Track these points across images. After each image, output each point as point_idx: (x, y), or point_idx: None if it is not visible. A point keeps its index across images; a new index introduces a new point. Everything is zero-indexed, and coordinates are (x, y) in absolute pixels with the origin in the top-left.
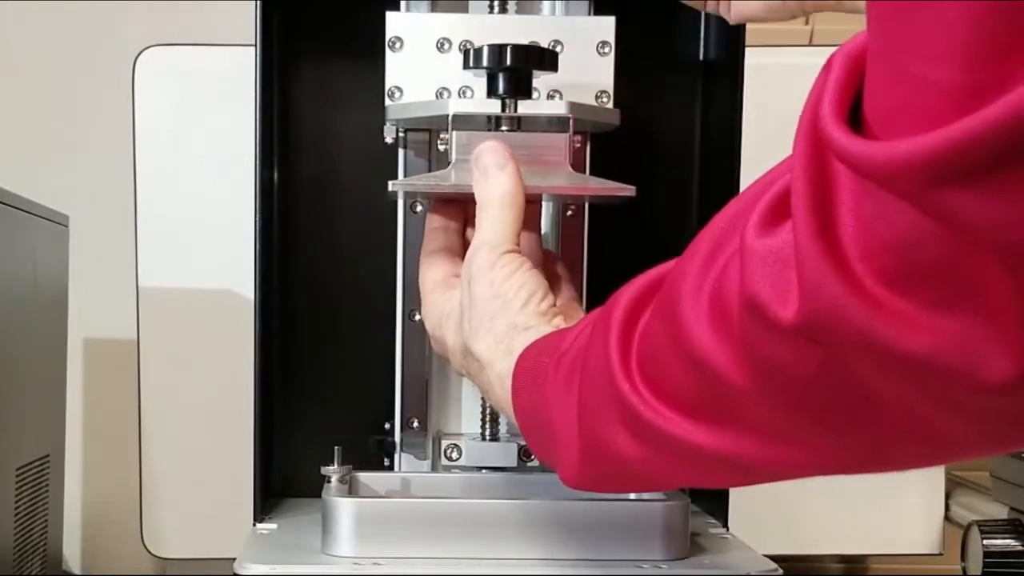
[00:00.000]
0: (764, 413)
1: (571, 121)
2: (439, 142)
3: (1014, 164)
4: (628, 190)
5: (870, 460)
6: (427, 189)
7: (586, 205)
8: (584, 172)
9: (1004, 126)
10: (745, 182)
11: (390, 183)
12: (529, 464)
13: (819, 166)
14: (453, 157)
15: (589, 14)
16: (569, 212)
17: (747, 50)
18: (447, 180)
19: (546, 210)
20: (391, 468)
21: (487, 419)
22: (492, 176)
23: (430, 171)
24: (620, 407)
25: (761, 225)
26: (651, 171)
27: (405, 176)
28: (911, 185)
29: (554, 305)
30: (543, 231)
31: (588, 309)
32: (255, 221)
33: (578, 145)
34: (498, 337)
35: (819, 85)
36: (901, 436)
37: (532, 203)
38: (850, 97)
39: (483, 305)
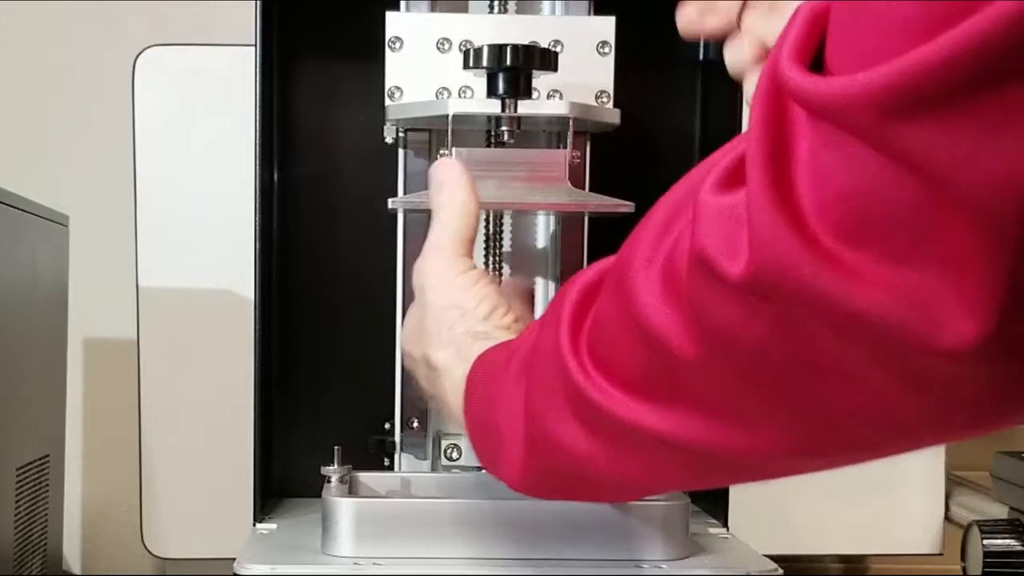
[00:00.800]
0: (711, 388)
1: (571, 121)
2: (438, 156)
3: (975, 94)
4: (627, 206)
5: (821, 445)
6: (427, 206)
7: (585, 216)
8: (584, 172)
9: (962, 52)
10: None
11: (390, 201)
12: None
13: (777, 116)
14: None
15: (589, 14)
16: None
17: None
18: None
19: (543, 224)
20: (391, 468)
21: None
22: (446, 187)
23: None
24: (567, 389)
25: (718, 184)
26: (651, 170)
27: (406, 176)
28: (867, 118)
29: (517, 320)
30: (541, 245)
31: None
32: (255, 221)
33: (577, 160)
34: (456, 345)
35: (781, 36)
36: (852, 414)
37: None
38: (812, 46)
39: (440, 314)
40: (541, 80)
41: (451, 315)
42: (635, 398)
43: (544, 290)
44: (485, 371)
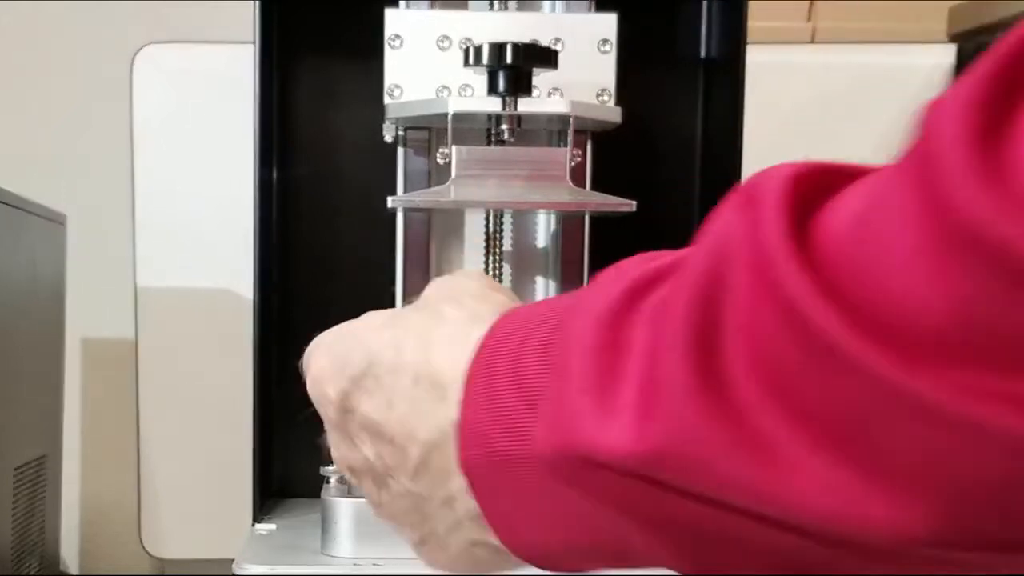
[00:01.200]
0: None
1: (572, 119)
2: (438, 155)
3: None
4: (628, 205)
5: None
6: (427, 204)
7: (586, 215)
8: (585, 171)
9: None
10: (747, 178)
11: (390, 199)
12: None
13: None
14: (453, 172)
15: (590, 11)
16: None
17: (748, 48)
18: (447, 196)
19: (544, 223)
20: None
21: None
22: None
23: (429, 171)
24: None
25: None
26: (652, 169)
27: (405, 175)
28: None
29: None
30: (542, 244)
31: None
32: (254, 220)
33: (579, 158)
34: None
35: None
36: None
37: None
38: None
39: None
40: (542, 78)
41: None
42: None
43: (545, 290)
44: (541, 315)
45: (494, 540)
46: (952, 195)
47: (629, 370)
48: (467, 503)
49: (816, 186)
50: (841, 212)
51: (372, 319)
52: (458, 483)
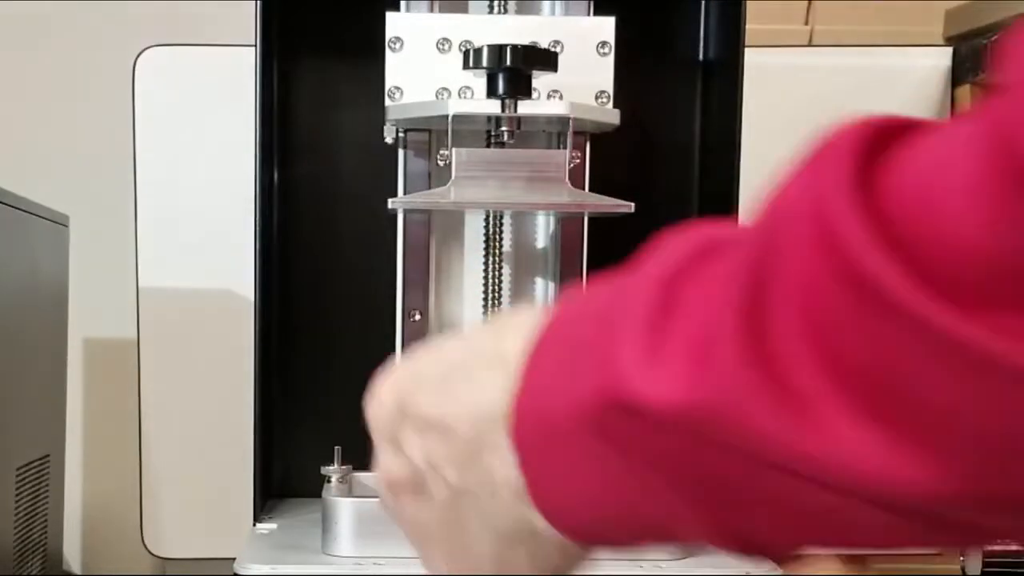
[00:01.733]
0: None
1: (571, 121)
2: (438, 157)
3: None
4: (627, 206)
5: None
6: (427, 206)
7: (585, 216)
8: (584, 172)
9: None
10: (745, 181)
11: (390, 201)
12: None
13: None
14: (453, 173)
15: (589, 14)
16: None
17: (746, 50)
18: (447, 197)
19: (543, 224)
20: None
21: None
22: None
23: (429, 173)
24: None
25: None
26: (651, 171)
27: (405, 177)
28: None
29: None
30: (541, 245)
31: None
32: (255, 221)
33: (577, 160)
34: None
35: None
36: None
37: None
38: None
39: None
40: (541, 80)
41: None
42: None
43: (544, 291)
44: (605, 285)
45: (538, 521)
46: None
47: (680, 323)
48: (513, 485)
49: (885, 138)
50: (907, 162)
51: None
52: (506, 463)
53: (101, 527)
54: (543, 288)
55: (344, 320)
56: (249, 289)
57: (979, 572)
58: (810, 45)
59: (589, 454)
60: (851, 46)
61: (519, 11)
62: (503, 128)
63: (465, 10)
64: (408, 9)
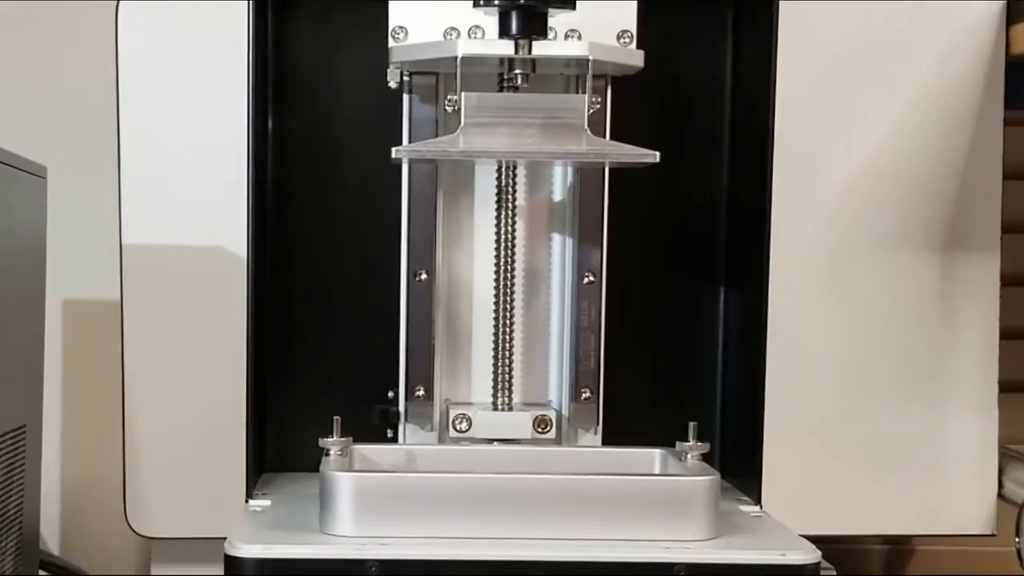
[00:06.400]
0: None
1: (590, 63)
2: (446, 102)
3: None
4: (651, 156)
5: None
6: (434, 155)
7: (606, 166)
8: (605, 119)
9: None
10: (780, 127)
11: (394, 149)
12: (544, 436)
13: None
14: (462, 120)
15: None
16: (587, 280)
17: None
18: (455, 146)
19: (560, 176)
20: (395, 440)
21: (500, 388)
22: None
23: (437, 122)
24: None
25: None
26: (678, 118)
27: (411, 124)
28: None
29: None
30: (558, 198)
31: (607, 279)
32: (247, 173)
33: (598, 105)
34: None
35: None
36: None
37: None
38: None
39: None
40: (558, 19)
41: None
42: None
43: (561, 248)
44: None
45: None
46: None
47: None
48: None
49: None
50: None
51: None
52: None
53: (81, 504)
54: (560, 246)
55: (344, 280)
56: (241, 247)
57: None
58: None
59: None
60: None
61: None
62: (517, 71)
63: None
64: None
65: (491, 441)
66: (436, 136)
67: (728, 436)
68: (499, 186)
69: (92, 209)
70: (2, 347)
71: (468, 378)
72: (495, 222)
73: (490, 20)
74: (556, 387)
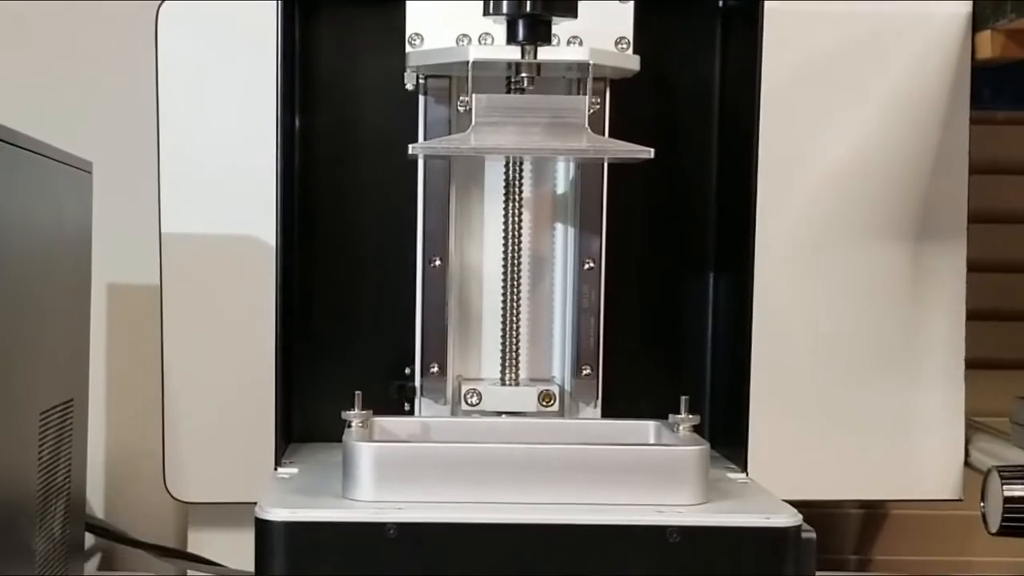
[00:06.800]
0: None
1: (591, 67)
2: (458, 103)
3: None
4: (646, 152)
5: None
6: (447, 151)
7: (605, 162)
8: (604, 118)
9: None
10: (764, 127)
11: (411, 146)
12: (548, 409)
13: None
14: (473, 119)
15: None
16: (587, 266)
17: None
18: (467, 143)
19: (563, 170)
20: (411, 413)
21: (507, 365)
22: None
23: (450, 121)
24: None
25: None
26: (671, 117)
27: (426, 123)
28: None
29: None
30: (561, 191)
31: (606, 265)
32: (276, 167)
33: (597, 106)
34: None
35: None
36: None
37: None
38: None
39: None
40: (561, 27)
41: None
42: None
43: (564, 237)
44: None
45: None
46: None
47: None
48: None
49: None
50: None
51: None
52: None
53: (124, 472)
54: (563, 235)
55: (364, 266)
56: (270, 236)
57: (999, 518)
58: None
59: None
60: None
61: None
62: (523, 74)
63: None
64: None
65: (499, 414)
66: (449, 134)
67: (717, 409)
68: (507, 180)
69: (134, 201)
70: (51, 328)
71: (478, 356)
72: (503, 213)
73: (499, 28)
74: (559, 364)
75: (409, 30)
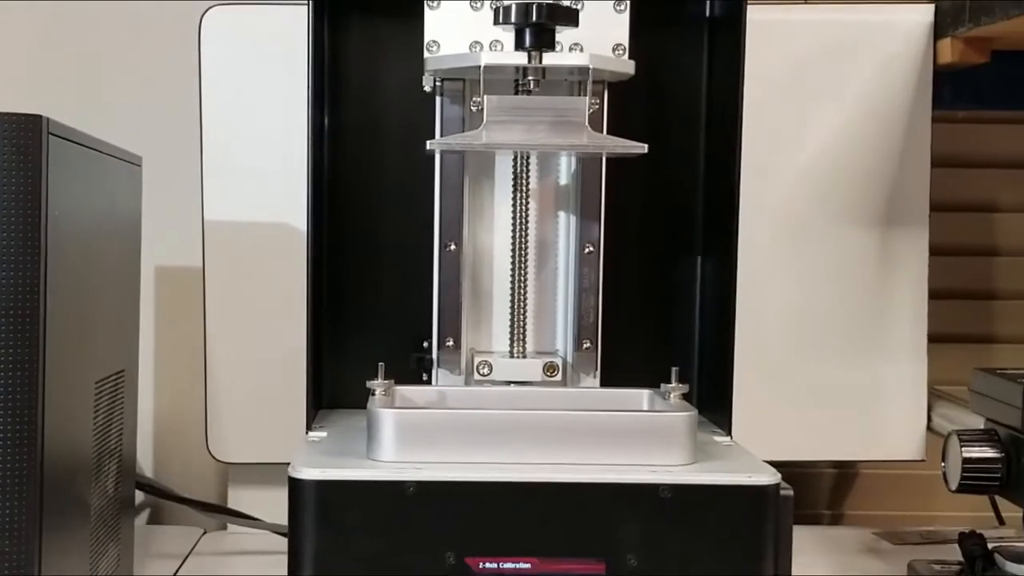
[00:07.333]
0: None
1: (590, 71)
2: (472, 104)
3: None
4: (640, 147)
5: None
6: (462, 147)
7: (603, 155)
8: (603, 117)
9: None
10: (747, 124)
11: (428, 142)
12: (552, 379)
13: None
14: (485, 118)
15: None
16: (587, 250)
17: (749, 7)
18: (479, 139)
19: (565, 164)
20: (429, 382)
21: (515, 339)
22: None
23: (464, 119)
24: None
25: None
26: (662, 116)
27: (442, 121)
28: None
29: None
30: (564, 182)
31: (605, 249)
32: (308, 161)
33: (596, 106)
34: None
35: None
36: None
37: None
38: None
39: None
40: (564, 35)
41: None
42: None
43: (566, 224)
44: None
45: None
46: None
47: None
48: None
49: None
50: None
51: None
52: None
53: (170, 436)
54: (565, 222)
55: (387, 250)
56: (302, 222)
57: (959, 476)
58: (807, 3)
59: None
60: (842, 3)
61: None
62: (530, 77)
63: None
64: None
65: (508, 383)
66: (463, 131)
67: (704, 379)
68: (515, 172)
69: (179, 191)
70: (105, 306)
71: (489, 331)
72: (511, 202)
73: (508, 35)
74: (562, 338)
75: (427, 38)
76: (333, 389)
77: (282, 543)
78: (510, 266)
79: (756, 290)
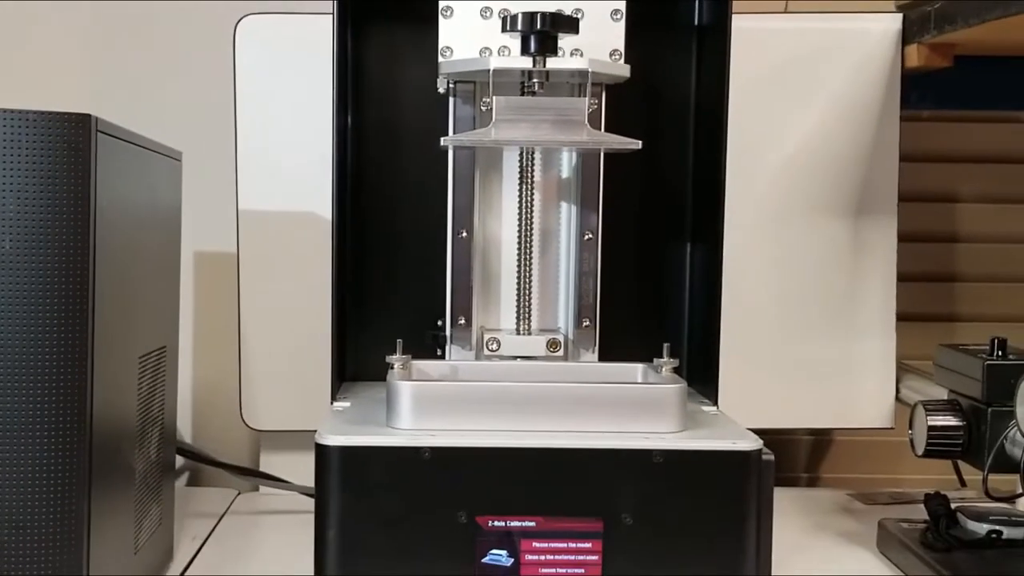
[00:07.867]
0: None
1: (589, 74)
2: (482, 103)
3: None
4: (635, 144)
5: None
6: (472, 143)
7: (601, 151)
8: (601, 116)
9: None
10: (732, 123)
11: (442, 139)
12: (554, 355)
13: None
14: (494, 117)
15: None
16: (587, 237)
17: (734, 16)
18: (489, 136)
19: (567, 159)
20: (443, 357)
21: (521, 317)
22: None
23: (475, 118)
24: None
25: None
26: (655, 115)
27: (455, 120)
28: None
29: None
30: (566, 176)
31: (603, 236)
32: (333, 155)
33: (595, 106)
34: None
35: None
36: None
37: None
38: None
39: None
40: (565, 41)
41: None
42: None
43: (568, 213)
44: None
45: None
46: None
47: None
48: None
49: None
50: None
51: None
52: None
53: (207, 406)
54: (567, 212)
55: (405, 237)
56: (328, 212)
57: (924, 443)
58: (786, 12)
59: None
60: (816, 12)
61: None
62: (534, 80)
63: None
64: None
65: (515, 358)
66: (474, 129)
67: (693, 354)
68: (521, 166)
69: (216, 183)
70: (148, 288)
71: (498, 310)
72: (518, 194)
73: (515, 42)
74: (564, 317)
75: (441, 44)
76: (356, 363)
77: (309, 503)
78: (516, 252)
79: (740, 274)
